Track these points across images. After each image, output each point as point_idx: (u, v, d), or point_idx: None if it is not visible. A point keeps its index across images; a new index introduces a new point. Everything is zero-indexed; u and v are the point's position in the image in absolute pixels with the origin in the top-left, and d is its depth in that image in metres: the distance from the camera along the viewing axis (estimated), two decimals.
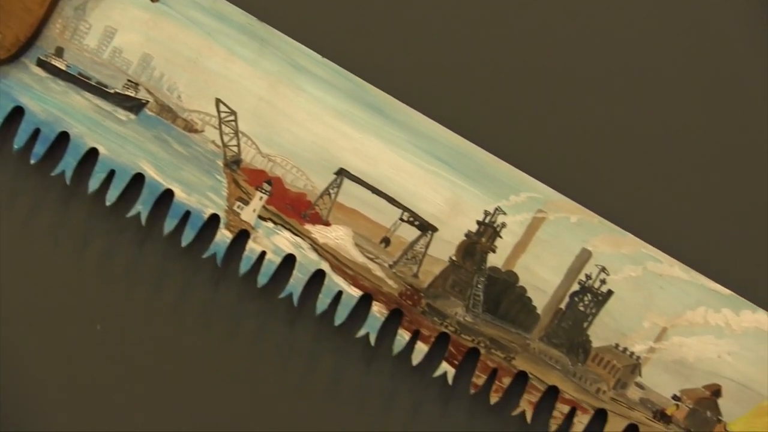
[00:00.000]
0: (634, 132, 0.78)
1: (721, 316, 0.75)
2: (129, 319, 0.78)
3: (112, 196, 0.78)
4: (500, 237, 0.76)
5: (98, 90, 0.78)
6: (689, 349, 0.75)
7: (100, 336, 0.77)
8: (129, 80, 0.78)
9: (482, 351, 0.76)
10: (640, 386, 0.75)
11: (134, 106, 0.78)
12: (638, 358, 0.75)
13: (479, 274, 0.76)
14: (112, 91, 0.78)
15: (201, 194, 0.78)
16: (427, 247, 0.77)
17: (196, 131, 0.78)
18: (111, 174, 0.78)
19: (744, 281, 0.75)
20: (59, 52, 0.79)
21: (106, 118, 0.78)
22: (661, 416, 0.75)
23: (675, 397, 0.75)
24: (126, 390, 0.78)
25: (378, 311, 0.77)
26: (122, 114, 0.78)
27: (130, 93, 0.78)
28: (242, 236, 0.77)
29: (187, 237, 0.78)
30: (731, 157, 0.78)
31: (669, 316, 0.75)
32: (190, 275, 0.78)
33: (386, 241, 0.77)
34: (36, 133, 0.78)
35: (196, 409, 0.78)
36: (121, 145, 0.78)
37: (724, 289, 0.75)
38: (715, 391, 0.74)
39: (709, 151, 0.78)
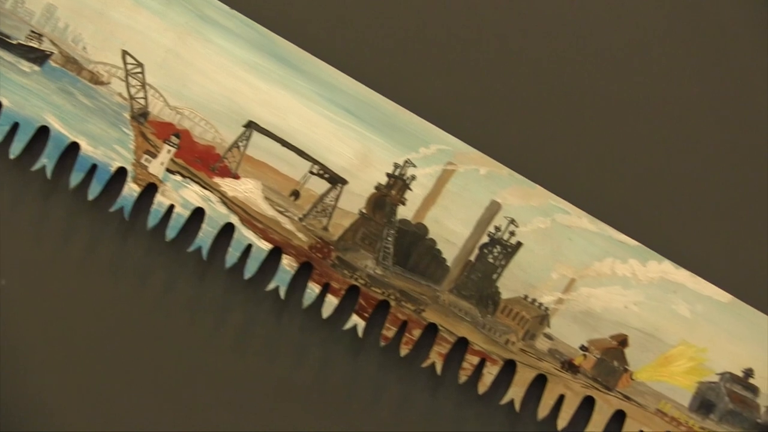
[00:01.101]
0: (539, 82, 0.78)
1: (628, 267, 0.75)
2: (35, 272, 0.77)
3: (16, 149, 0.77)
4: (410, 189, 0.76)
5: (0, 41, 0.77)
6: (597, 299, 0.75)
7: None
8: (32, 31, 0.77)
9: (392, 303, 0.76)
10: (549, 337, 0.75)
11: (38, 57, 0.76)
12: (547, 309, 0.75)
13: (389, 226, 0.76)
14: (14, 42, 0.77)
15: (107, 147, 0.77)
16: (336, 199, 0.76)
17: (102, 83, 0.77)
18: (15, 127, 0.76)
19: (649, 232, 0.76)
20: None
21: (9, 70, 0.77)
22: (569, 366, 0.75)
23: (583, 348, 0.75)
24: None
25: (288, 264, 0.76)
26: (26, 65, 0.77)
27: (34, 44, 0.76)
28: (150, 190, 0.76)
29: (94, 191, 0.77)
30: (630, 107, 0.78)
31: (577, 267, 0.75)
32: (98, 229, 0.77)
33: (296, 194, 0.76)
34: None
35: (106, 354, 0.77)
36: (25, 97, 0.77)
37: (631, 240, 0.75)
38: (622, 341, 0.75)
39: (611, 100, 0.78)
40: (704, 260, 0.76)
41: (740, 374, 0.74)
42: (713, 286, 0.75)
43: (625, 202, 0.77)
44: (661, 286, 0.75)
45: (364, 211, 0.76)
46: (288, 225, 0.76)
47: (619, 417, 0.75)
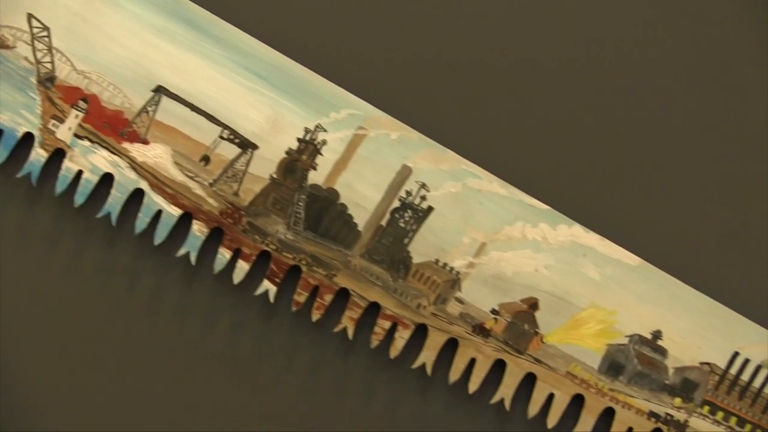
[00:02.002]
0: (446, 45, 0.78)
1: (539, 231, 0.76)
2: None
3: None
4: (321, 154, 0.76)
5: None
6: (507, 263, 0.75)
7: None
8: None
9: (304, 268, 0.76)
10: (460, 301, 0.75)
11: None
12: (458, 273, 0.75)
13: (300, 191, 0.76)
14: None
15: (14, 112, 0.76)
16: (247, 165, 0.76)
17: (7, 47, 0.76)
18: None
19: (559, 196, 0.76)
20: None
21: None
22: (480, 330, 0.75)
23: (494, 311, 0.75)
24: None
25: (198, 230, 0.76)
26: None
27: None
28: (58, 155, 0.76)
29: (0, 156, 0.76)
30: (534, 69, 0.79)
31: (488, 231, 0.76)
32: (3, 195, 0.76)
33: (206, 159, 0.76)
34: None
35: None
36: None
37: (542, 204, 0.76)
38: (533, 304, 0.75)
39: (517, 61, 0.78)
40: (613, 224, 0.76)
41: (649, 336, 0.75)
42: (622, 249, 0.75)
43: (536, 166, 0.77)
44: (571, 249, 0.75)
45: (274, 176, 0.76)
46: (198, 190, 0.76)
47: (530, 380, 0.75)
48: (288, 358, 0.76)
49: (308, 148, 0.76)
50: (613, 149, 0.78)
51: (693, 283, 0.75)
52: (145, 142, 0.76)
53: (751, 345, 0.75)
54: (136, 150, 0.76)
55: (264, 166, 0.76)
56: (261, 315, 0.76)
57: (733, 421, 0.75)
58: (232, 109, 0.76)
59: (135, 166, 0.76)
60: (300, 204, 0.76)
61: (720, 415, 0.75)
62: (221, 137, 0.76)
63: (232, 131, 0.76)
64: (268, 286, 0.76)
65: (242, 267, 0.76)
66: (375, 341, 0.76)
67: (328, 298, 0.76)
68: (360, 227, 0.76)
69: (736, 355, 0.75)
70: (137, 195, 0.76)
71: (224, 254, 0.76)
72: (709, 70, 0.79)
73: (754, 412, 0.75)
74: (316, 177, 0.76)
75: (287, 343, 0.76)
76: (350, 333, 0.76)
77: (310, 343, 0.76)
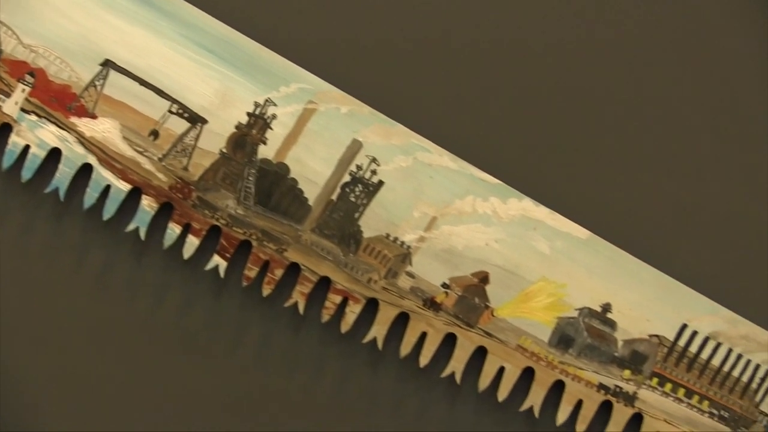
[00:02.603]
0: (395, 20, 0.78)
1: (489, 205, 0.76)
2: None
3: None
4: (271, 129, 0.76)
5: None
6: (458, 237, 0.76)
7: None
8: None
9: (254, 243, 0.76)
10: (411, 275, 0.76)
11: None
12: (408, 247, 0.75)
13: (250, 166, 0.76)
14: None
15: None
16: (196, 139, 0.76)
17: None
18: None
19: (510, 170, 0.76)
20: None
21: None
22: (431, 304, 0.76)
23: (444, 285, 0.76)
24: None
25: (148, 205, 0.75)
26: None
27: None
28: (4, 130, 0.75)
29: None
30: (483, 45, 0.79)
31: (438, 205, 0.76)
32: None
33: (155, 134, 0.76)
34: None
35: None
36: None
37: (492, 178, 0.76)
38: (483, 278, 0.76)
39: (466, 36, 0.79)
40: (563, 197, 0.76)
41: (598, 309, 0.75)
42: (572, 222, 0.76)
43: (486, 140, 0.78)
44: (522, 223, 0.76)
45: (224, 150, 0.75)
46: (147, 165, 0.75)
47: (480, 353, 0.75)
48: (238, 333, 0.76)
49: (258, 123, 0.75)
50: (562, 123, 0.78)
51: (642, 256, 0.75)
52: (93, 116, 0.75)
53: (699, 317, 0.75)
54: (84, 124, 0.75)
55: (214, 140, 0.75)
56: (211, 290, 0.76)
57: (681, 392, 0.75)
58: (181, 83, 0.75)
59: (83, 140, 0.75)
60: (250, 179, 0.75)
61: (668, 386, 0.75)
62: (170, 111, 0.75)
63: (182, 105, 0.75)
64: (218, 261, 0.75)
65: (192, 242, 0.75)
66: (326, 316, 0.76)
67: (279, 272, 0.75)
68: (310, 202, 0.75)
69: (684, 327, 0.75)
70: (85, 170, 0.75)
71: (174, 229, 0.75)
72: (652, 40, 0.79)
73: (701, 384, 0.75)
74: (266, 151, 0.76)
75: (238, 318, 0.76)
76: (301, 308, 0.76)
77: (261, 318, 0.76)
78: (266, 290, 0.75)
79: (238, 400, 0.76)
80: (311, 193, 0.75)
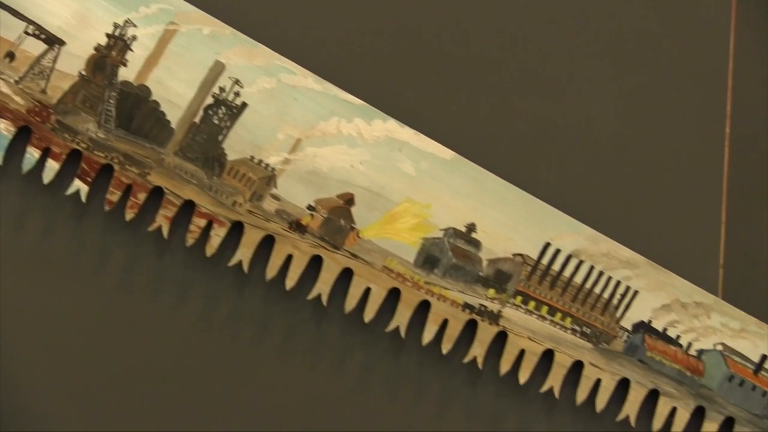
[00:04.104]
0: None
1: (354, 126, 0.76)
2: None
3: None
4: (131, 50, 0.74)
5: None
6: (323, 159, 0.75)
7: None
8: None
9: (116, 167, 0.74)
10: (276, 197, 0.75)
11: None
12: (273, 169, 0.75)
13: (110, 88, 0.74)
14: None
15: None
16: (54, 61, 0.74)
17: None
18: None
19: (374, 91, 0.76)
20: None
21: None
22: (297, 226, 0.75)
23: (310, 207, 0.75)
24: None
25: (5, 129, 0.74)
26: None
27: None
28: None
29: None
30: None
31: (303, 127, 0.75)
32: None
33: (11, 56, 0.74)
34: None
35: None
36: None
37: (356, 99, 0.76)
38: (348, 200, 0.75)
39: None
40: (427, 118, 0.77)
41: (463, 229, 0.76)
42: (436, 143, 0.76)
43: (349, 61, 0.77)
44: (387, 144, 0.76)
45: (83, 72, 0.74)
46: (4, 88, 0.73)
47: (347, 275, 0.75)
48: (102, 258, 0.75)
49: (118, 44, 0.74)
50: (425, 44, 0.78)
51: (505, 176, 0.76)
52: None
53: (561, 235, 0.76)
54: None
55: (72, 62, 0.74)
56: (73, 215, 0.75)
57: (544, 310, 0.76)
58: (37, 3, 0.74)
59: None
60: (111, 101, 0.74)
61: (532, 304, 0.76)
62: (26, 33, 0.73)
63: (38, 26, 0.74)
64: (79, 186, 0.74)
65: (52, 166, 0.74)
66: (190, 239, 0.75)
67: (142, 196, 0.74)
68: (173, 125, 0.75)
69: (547, 245, 0.76)
70: None
71: (33, 154, 0.74)
72: None
73: (564, 301, 0.76)
74: (126, 74, 0.74)
75: (101, 242, 0.75)
76: (165, 232, 0.75)
77: (124, 243, 0.75)
78: (129, 214, 0.75)
79: (98, 323, 0.75)
80: (174, 115, 0.75)
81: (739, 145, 0.79)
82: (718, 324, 0.76)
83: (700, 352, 0.76)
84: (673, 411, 0.77)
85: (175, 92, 0.74)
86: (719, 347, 0.76)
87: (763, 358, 0.76)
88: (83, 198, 0.74)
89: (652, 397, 0.77)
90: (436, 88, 0.78)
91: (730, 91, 0.80)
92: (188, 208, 0.75)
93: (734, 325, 0.76)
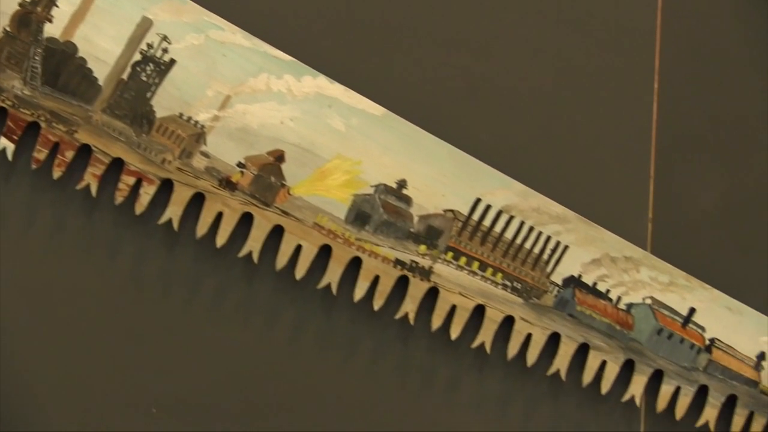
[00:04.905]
0: None
1: (283, 83, 0.75)
2: None
3: None
4: (57, 6, 0.73)
5: None
6: (253, 116, 0.75)
7: None
8: None
9: (43, 125, 0.74)
10: (206, 155, 0.75)
11: None
12: (202, 126, 0.75)
13: (36, 45, 0.73)
14: None
15: None
16: None
17: None
18: None
19: (304, 47, 0.76)
20: None
21: None
22: (227, 183, 0.75)
23: (240, 165, 0.75)
24: None
25: None
26: None
27: None
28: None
29: None
30: None
31: (232, 83, 0.75)
32: None
33: None
34: None
35: None
36: None
37: (286, 55, 0.75)
38: (279, 157, 0.75)
39: None
40: (358, 74, 0.76)
41: (394, 186, 0.76)
42: (366, 99, 0.76)
43: (278, 16, 0.77)
44: (316, 100, 0.75)
45: (8, 29, 0.73)
46: None
47: (278, 232, 0.75)
48: (28, 218, 0.74)
49: (43, 0, 0.73)
50: (355, 0, 0.78)
51: (436, 132, 0.76)
52: None
53: (492, 191, 0.76)
54: None
55: None
56: (0, 173, 0.74)
57: (475, 265, 0.76)
58: None
59: None
60: (36, 58, 0.73)
61: (463, 260, 0.76)
62: None
63: None
64: (5, 144, 0.73)
65: None
66: (120, 198, 0.74)
67: (70, 154, 0.74)
68: (100, 82, 0.74)
69: (478, 201, 0.76)
70: None
71: None
72: None
73: (495, 256, 0.77)
74: (52, 30, 0.73)
75: (27, 202, 0.74)
76: (94, 190, 0.74)
77: (52, 201, 0.75)
78: (57, 173, 0.74)
79: (29, 282, 0.74)
80: (101, 72, 0.74)
81: (667, 100, 0.80)
82: (647, 278, 0.77)
83: (630, 306, 0.77)
84: (603, 364, 0.77)
85: (102, 49, 0.74)
86: (648, 301, 0.77)
87: (691, 311, 0.77)
88: (9, 156, 0.74)
89: (583, 351, 0.77)
90: (366, 44, 0.78)
91: (658, 47, 0.80)
92: (117, 165, 0.74)
93: (663, 279, 0.77)
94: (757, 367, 0.77)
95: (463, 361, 0.77)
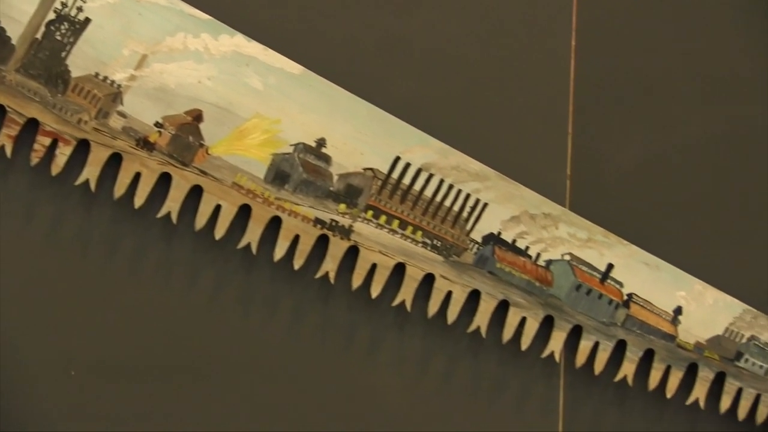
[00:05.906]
0: None
1: (201, 42, 0.75)
2: None
3: None
4: None
5: None
6: (170, 75, 0.74)
7: None
8: None
9: None
10: (123, 115, 0.74)
11: None
12: (119, 86, 0.74)
13: None
14: None
15: None
16: None
17: None
18: None
19: (221, 5, 0.75)
20: None
21: None
22: (144, 143, 0.74)
23: (157, 124, 0.75)
24: None
25: None
26: None
27: None
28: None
29: None
30: None
31: (149, 42, 0.74)
32: None
33: None
34: None
35: None
36: None
37: (203, 14, 0.75)
38: (197, 116, 0.75)
39: None
40: (275, 32, 0.76)
41: (313, 144, 0.76)
42: (285, 57, 0.75)
43: None
44: (234, 59, 0.75)
45: None
46: None
47: (197, 193, 0.75)
48: None
49: None
50: None
51: (355, 91, 0.76)
52: None
53: (411, 149, 0.76)
54: None
55: None
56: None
57: (395, 224, 0.77)
58: None
59: None
60: None
61: (383, 218, 0.76)
62: None
63: None
64: None
65: None
66: (35, 159, 0.74)
67: None
68: (14, 41, 0.73)
69: (397, 159, 0.76)
70: None
71: None
72: None
73: (415, 214, 0.77)
74: None
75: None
76: (9, 151, 0.74)
77: None
78: None
79: None
80: (14, 31, 0.73)
81: (584, 57, 0.80)
82: (565, 234, 0.78)
83: (549, 262, 0.78)
84: (523, 321, 0.78)
85: (15, 7, 0.73)
86: (567, 257, 0.78)
87: (609, 267, 0.78)
88: None
89: (503, 307, 0.78)
90: (284, 2, 0.77)
91: (576, 4, 0.80)
92: (32, 126, 0.73)
93: (581, 235, 0.78)
94: (674, 321, 0.78)
95: (384, 319, 0.77)
